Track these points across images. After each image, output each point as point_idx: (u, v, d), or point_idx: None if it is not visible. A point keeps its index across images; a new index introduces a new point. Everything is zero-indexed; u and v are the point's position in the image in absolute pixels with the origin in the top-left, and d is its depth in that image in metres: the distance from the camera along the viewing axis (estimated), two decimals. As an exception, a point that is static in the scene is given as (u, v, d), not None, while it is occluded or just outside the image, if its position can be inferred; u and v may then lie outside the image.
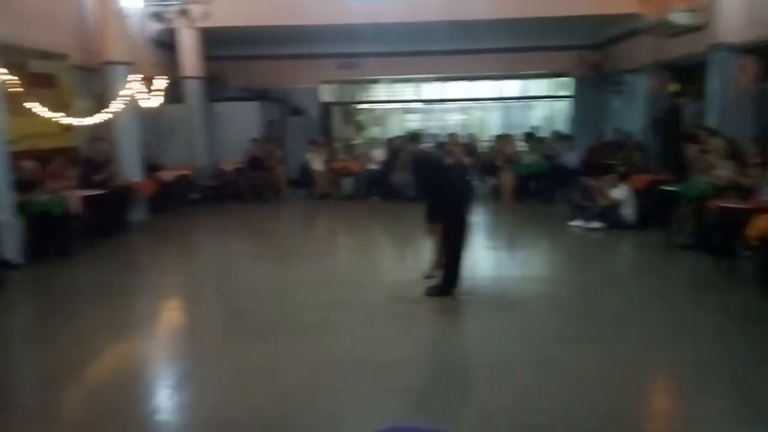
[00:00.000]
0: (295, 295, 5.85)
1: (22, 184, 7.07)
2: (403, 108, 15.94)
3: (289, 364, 4.17)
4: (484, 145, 13.34)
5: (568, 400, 3.55)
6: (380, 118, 16.27)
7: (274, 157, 12.12)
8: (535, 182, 11.28)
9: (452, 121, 15.67)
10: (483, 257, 7.34)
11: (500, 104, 15.91)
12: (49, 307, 5.82)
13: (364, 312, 5.21)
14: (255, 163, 11.73)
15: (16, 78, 7.05)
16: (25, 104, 7.37)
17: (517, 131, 13.32)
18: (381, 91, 15.52)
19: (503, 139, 12.30)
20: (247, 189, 11.65)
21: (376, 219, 10.25)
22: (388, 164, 11.65)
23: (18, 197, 6.92)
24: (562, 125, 14.33)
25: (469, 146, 12.38)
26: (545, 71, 14.47)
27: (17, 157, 7.23)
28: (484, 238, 8.50)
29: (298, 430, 3.31)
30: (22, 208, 6.95)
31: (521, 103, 15.77)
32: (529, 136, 12.48)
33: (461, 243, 5.40)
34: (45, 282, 6.59)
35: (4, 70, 6.76)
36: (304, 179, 12.29)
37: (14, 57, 7.48)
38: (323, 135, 13.78)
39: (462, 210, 5.49)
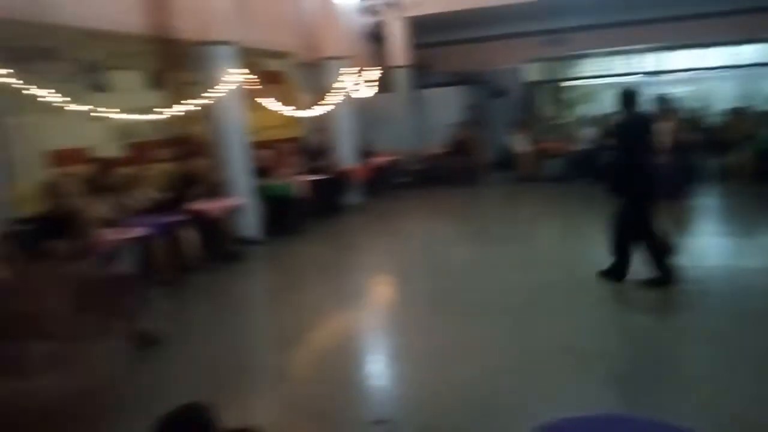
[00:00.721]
0: (500, 276, 5.87)
1: (260, 171, 8.06)
2: (614, 83, 14.82)
3: (494, 344, 4.22)
4: (713, 120, 11.88)
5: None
6: (589, 95, 15.33)
7: (477, 140, 12.16)
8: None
9: (672, 94, 14.16)
10: (714, 244, 6.60)
11: (734, 73, 13.96)
12: (281, 278, 6.68)
13: (569, 297, 5.04)
14: (459, 147, 11.92)
15: (254, 76, 8.01)
16: (259, 99, 8.35)
17: (756, 103, 11.60)
18: (589, 66, 14.60)
19: (738, 112, 10.84)
20: (452, 172, 11.88)
21: (582, 202, 9.74)
22: (599, 143, 10.96)
23: (256, 182, 7.90)
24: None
25: (694, 122, 11.12)
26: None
27: (254, 147, 8.23)
28: (716, 224, 7.63)
29: (504, 410, 3.33)
30: (260, 192, 7.93)
31: (760, 70, 13.66)
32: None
33: (644, 227, 4.94)
34: (277, 256, 7.50)
35: (245, 70, 7.71)
36: (507, 161, 12.15)
37: (251, 58, 8.51)
38: (527, 116, 13.45)
39: (651, 191, 5.03)
